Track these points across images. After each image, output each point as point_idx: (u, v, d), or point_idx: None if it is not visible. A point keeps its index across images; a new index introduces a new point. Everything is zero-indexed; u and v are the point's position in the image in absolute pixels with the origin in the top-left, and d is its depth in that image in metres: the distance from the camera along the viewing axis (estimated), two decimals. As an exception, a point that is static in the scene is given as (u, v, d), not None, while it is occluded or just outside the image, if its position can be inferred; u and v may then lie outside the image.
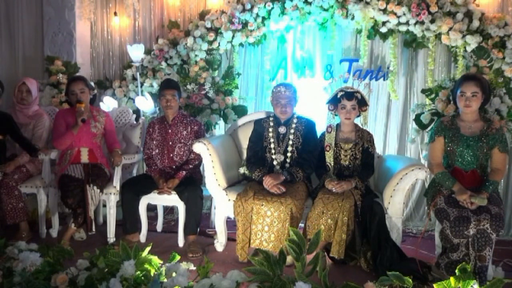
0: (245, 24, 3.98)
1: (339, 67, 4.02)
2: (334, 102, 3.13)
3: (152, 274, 2.38)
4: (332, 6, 3.75)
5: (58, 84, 4.22)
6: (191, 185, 3.26)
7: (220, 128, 4.21)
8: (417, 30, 3.64)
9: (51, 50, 4.53)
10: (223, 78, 4.10)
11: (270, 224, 2.86)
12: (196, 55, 4.13)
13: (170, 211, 4.11)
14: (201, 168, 3.53)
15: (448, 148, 2.85)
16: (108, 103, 4.13)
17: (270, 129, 3.26)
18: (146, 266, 2.40)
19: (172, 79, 3.73)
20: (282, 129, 3.23)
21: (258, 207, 2.90)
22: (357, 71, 3.92)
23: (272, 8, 3.89)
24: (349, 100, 3.05)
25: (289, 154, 3.18)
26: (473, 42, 3.49)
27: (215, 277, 2.29)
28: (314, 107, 3.94)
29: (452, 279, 2.07)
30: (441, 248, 2.77)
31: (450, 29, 3.52)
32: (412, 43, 3.83)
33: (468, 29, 3.52)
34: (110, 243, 3.31)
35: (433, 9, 3.53)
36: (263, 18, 3.96)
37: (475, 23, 3.50)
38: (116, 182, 3.41)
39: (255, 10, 3.91)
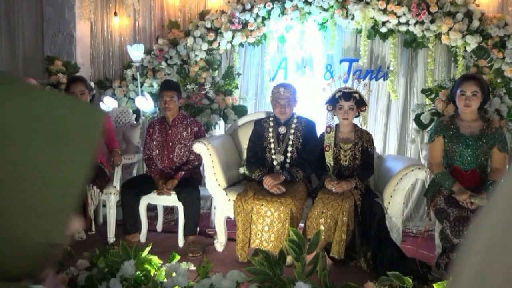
0: (245, 24, 3.98)
1: (339, 67, 4.01)
2: (333, 103, 3.13)
3: (152, 274, 2.38)
4: (332, 6, 3.75)
5: (58, 84, 4.22)
6: (188, 186, 3.26)
7: (220, 128, 4.21)
8: (417, 30, 3.64)
9: (51, 50, 4.53)
10: (223, 78, 4.10)
11: (270, 224, 2.86)
12: (196, 55, 4.12)
13: (170, 211, 4.11)
14: (201, 168, 3.53)
15: (448, 148, 2.85)
16: (108, 103, 4.13)
17: (270, 129, 3.25)
18: (146, 266, 2.40)
19: (171, 80, 3.73)
20: (282, 129, 3.23)
21: (258, 207, 2.90)
22: (357, 71, 3.92)
23: (272, 8, 3.89)
24: (347, 100, 3.05)
25: (289, 154, 3.18)
26: (473, 42, 3.49)
27: (215, 277, 2.29)
28: (314, 107, 3.93)
29: (452, 279, 2.07)
30: (441, 248, 2.77)
31: (450, 29, 3.52)
32: (412, 43, 3.83)
33: (468, 29, 3.52)
34: (110, 243, 3.31)
35: (433, 9, 3.53)
36: (263, 18, 3.96)
37: (475, 23, 3.50)
38: (116, 182, 3.41)
39: (255, 10, 3.91)
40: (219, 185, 3.21)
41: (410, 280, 2.16)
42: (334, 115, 3.19)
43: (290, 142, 3.19)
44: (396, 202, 2.92)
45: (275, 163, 3.20)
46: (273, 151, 3.21)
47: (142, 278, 2.32)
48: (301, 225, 3.06)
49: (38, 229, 0.51)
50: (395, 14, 3.60)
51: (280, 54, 4.19)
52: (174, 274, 2.37)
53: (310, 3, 3.80)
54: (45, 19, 4.57)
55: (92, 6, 4.55)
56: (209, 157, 3.19)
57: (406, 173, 2.89)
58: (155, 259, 2.46)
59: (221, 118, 4.06)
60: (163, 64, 4.23)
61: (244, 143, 3.53)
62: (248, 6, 3.93)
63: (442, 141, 2.87)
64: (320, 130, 3.29)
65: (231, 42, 4.09)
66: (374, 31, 3.84)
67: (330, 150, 3.10)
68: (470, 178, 2.79)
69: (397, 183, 2.91)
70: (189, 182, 3.31)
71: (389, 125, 4.06)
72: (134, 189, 3.30)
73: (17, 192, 0.50)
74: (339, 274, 2.78)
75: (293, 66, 4.15)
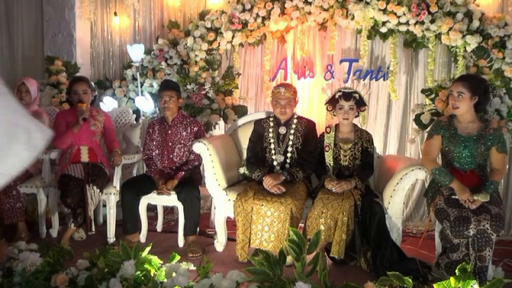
0: (245, 24, 3.99)
1: (339, 67, 4.02)
2: (333, 103, 3.14)
3: (152, 274, 2.38)
4: (332, 6, 3.75)
5: (58, 84, 4.23)
6: (188, 186, 3.26)
7: (220, 128, 4.21)
8: (417, 30, 3.64)
9: (51, 50, 4.53)
10: (223, 78, 4.10)
11: (270, 224, 2.86)
12: (196, 55, 4.13)
13: (170, 211, 4.11)
14: (201, 168, 3.53)
15: (446, 149, 2.85)
16: (108, 103, 4.13)
17: (270, 130, 3.25)
18: (146, 266, 2.40)
19: (170, 80, 3.73)
20: (282, 130, 3.23)
21: (258, 207, 2.90)
22: (357, 71, 3.92)
23: (272, 8, 3.89)
24: (347, 100, 3.05)
25: (289, 155, 3.18)
26: (473, 42, 3.49)
27: (215, 277, 2.30)
28: (314, 107, 3.93)
29: (452, 279, 2.08)
30: (441, 248, 2.77)
31: (450, 29, 3.52)
32: (412, 43, 3.82)
33: (468, 29, 3.52)
34: (110, 243, 3.31)
35: (433, 9, 3.53)
36: (263, 18, 3.96)
37: (475, 23, 3.50)
38: (116, 182, 3.42)
39: (255, 10, 3.91)
40: (219, 185, 3.21)
41: (410, 280, 2.16)
42: (334, 115, 3.19)
43: (290, 143, 3.19)
44: (396, 202, 2.92)
45: (275, 163, 3.20)
46: (273, 152, 3.21)
47: (142, 278, 2.32)
48: (301, 225, 3.06)
49: None
50: (395, 14, 3.60)
51: (280, 54, 4.19)
52: (174, 274, 2.38)
53: (310, 3, 3.80)
54: (45, 19, 4.58)
55: (92, 6, 4.55)
56: (209, 157, 3.19)
57: (406, 173, 2.89)
58: (155, 259, 2.46)
59: (221, 118, 4.06)
60: (163, 64, 4.23)
61: (244, 143, 3.53)
62: (248, 6, 3.94)
63: (440, 140, 2.86)
64: (320, 130, 3.29)
65: (231, 42, 4.09)
66: (374, 31, 3.84)
67: (330, 150, 3.10)
68: (469, 179, 2.78)
69: (397, 183, 2.90)
70: (189, 182, 3.31)
71: (389, 125, 4.06)
72: (134, 189, 3.30)
73: None
74: (339, 274, 2.78)
75: (293, 66, 4.15)
